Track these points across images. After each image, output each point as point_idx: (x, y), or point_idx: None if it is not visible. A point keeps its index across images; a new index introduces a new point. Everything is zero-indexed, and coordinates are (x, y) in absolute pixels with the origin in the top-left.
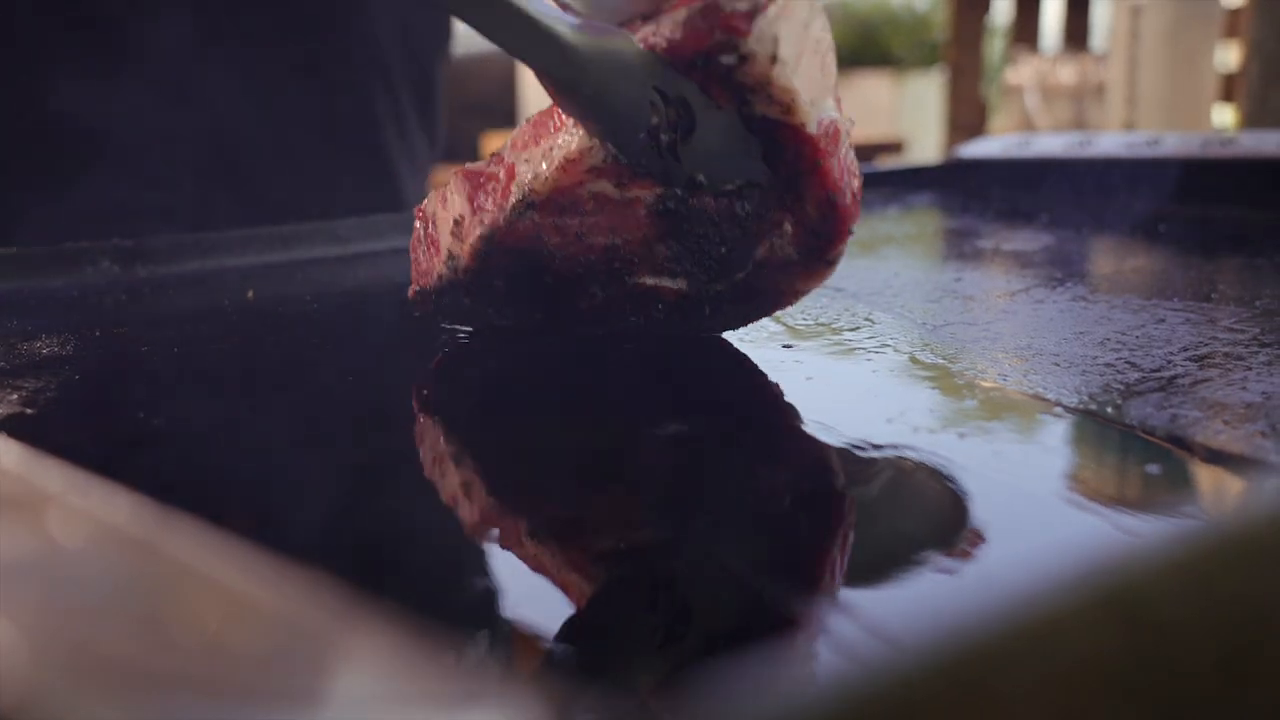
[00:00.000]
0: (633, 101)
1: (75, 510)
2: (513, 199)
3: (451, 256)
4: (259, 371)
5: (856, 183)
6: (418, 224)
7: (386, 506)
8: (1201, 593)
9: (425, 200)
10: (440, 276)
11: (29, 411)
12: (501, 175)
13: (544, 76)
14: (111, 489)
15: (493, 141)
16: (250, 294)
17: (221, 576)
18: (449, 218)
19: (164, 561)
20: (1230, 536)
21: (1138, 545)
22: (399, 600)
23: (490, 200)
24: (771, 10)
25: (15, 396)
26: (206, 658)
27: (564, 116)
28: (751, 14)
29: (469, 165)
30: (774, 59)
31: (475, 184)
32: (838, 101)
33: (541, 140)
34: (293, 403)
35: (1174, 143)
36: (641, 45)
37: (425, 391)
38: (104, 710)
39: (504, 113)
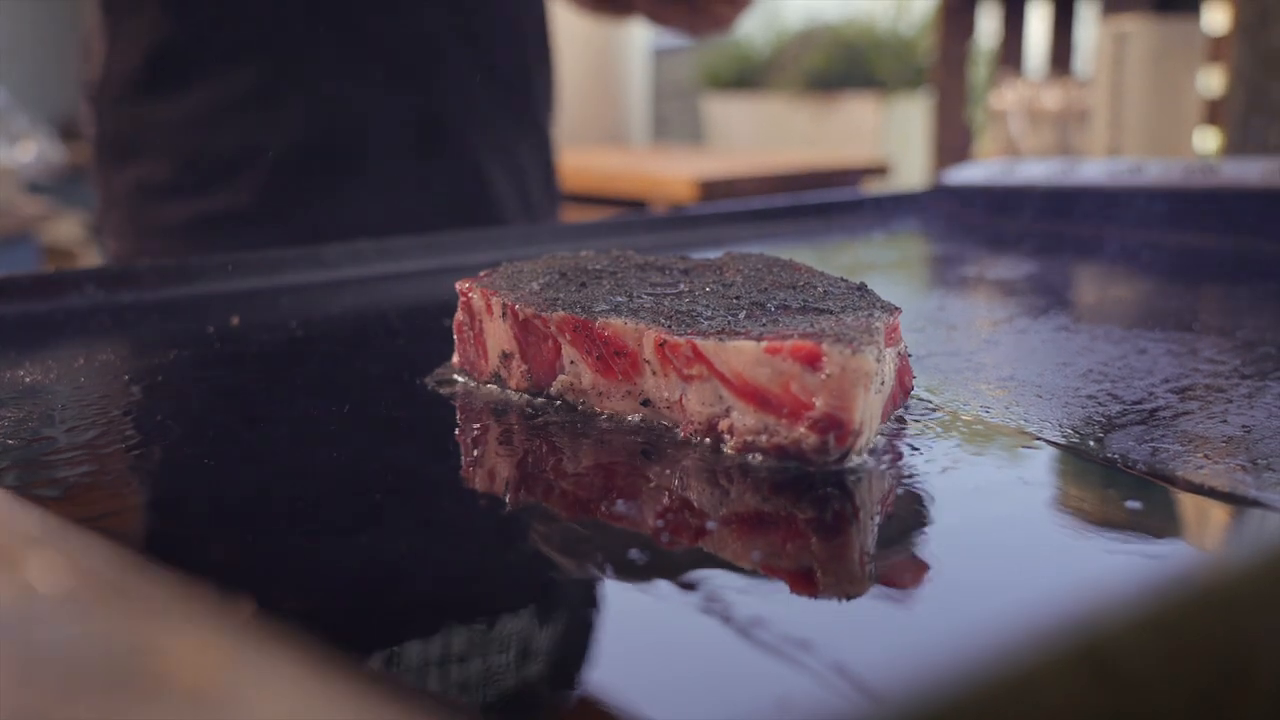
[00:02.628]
0: None
1: (54, 556)
2: (554, 387)
3: (499, 379)
4: (243, 401)
5: None
6: (461, 315)
7: (360, 543)
8: (1170, 645)
9: (470, 287)
10: (487, 382)
11: (11, 443)
12: (550, 344)
13: None
14: (89, 534)
15: None
16: (235, 320)
17: (194, 623)
18: (498, 341)
19: (139, 609)
20: (1198, 587)
21: (1108, 598)
22: (374, 647)
23: (537, 356)
24: (860, 441)
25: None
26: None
27: (633, 369)
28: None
29: (520, 303)
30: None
31: (526, 330)
32: None
33: (602, 375)
34: (275, 436)
35: (1157, 171)
36: None
37: (406, 428)
38: None
39: None
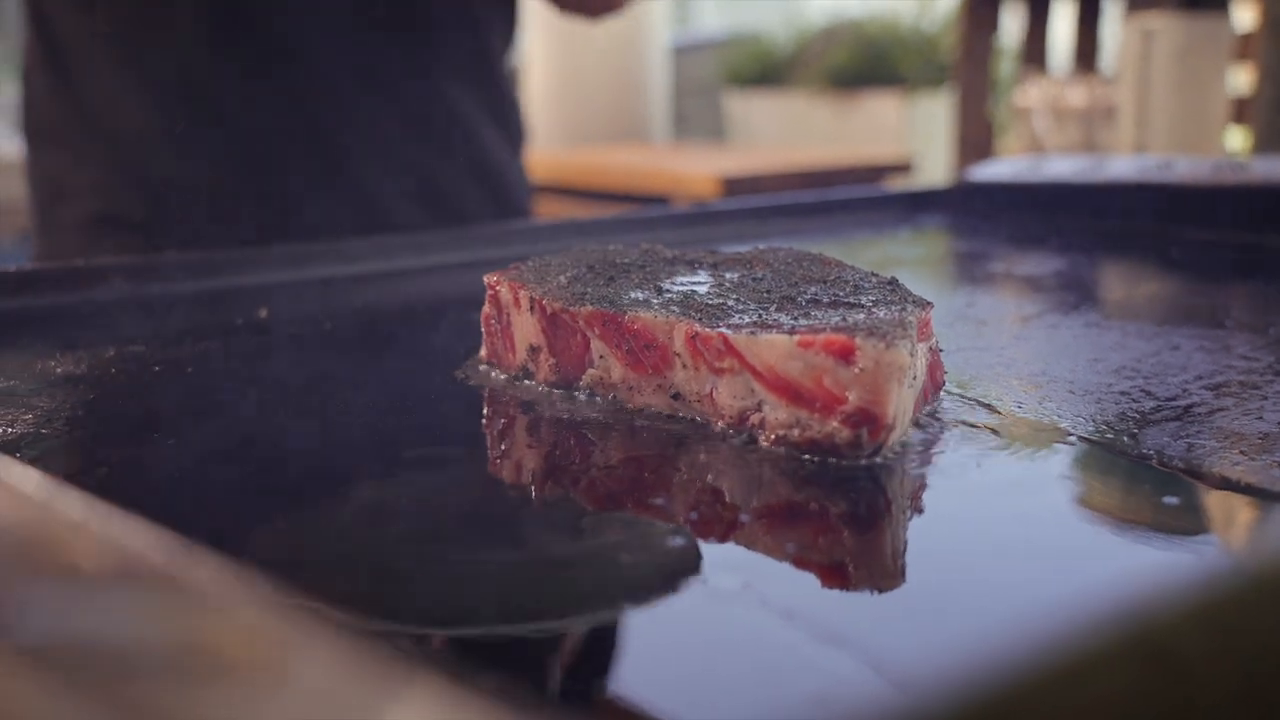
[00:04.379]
0: None
1: (99, 540)
2: (584, 381)
3: (528, 372)
4: (274, 393)
5: None
6: (489, 308)
7: (396, 533)
8: (1222, 631)
9: (498, 281)
10: (515, 375)
11: (44, 432)
12: (579, 338)
13: None
14: (130, 519)
15: None
16: (263, 312)
17: (242, 607)
18: (526, 334)
19: (187, 593)
20: (1249, 576)
21: (1160, 585)
22: (422, 632)
23: (566, 350)
24: (893, 436)
25: (30, 416)
26: (230, 692)
27: (663, 363)
28: (878, 449)
29: (548, 297)
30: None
31: (554, 324)
32: None
33: (632, 369)
34: (309, 428)
35: (1185, 167)
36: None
37: (437, 419)
38: None
39: None
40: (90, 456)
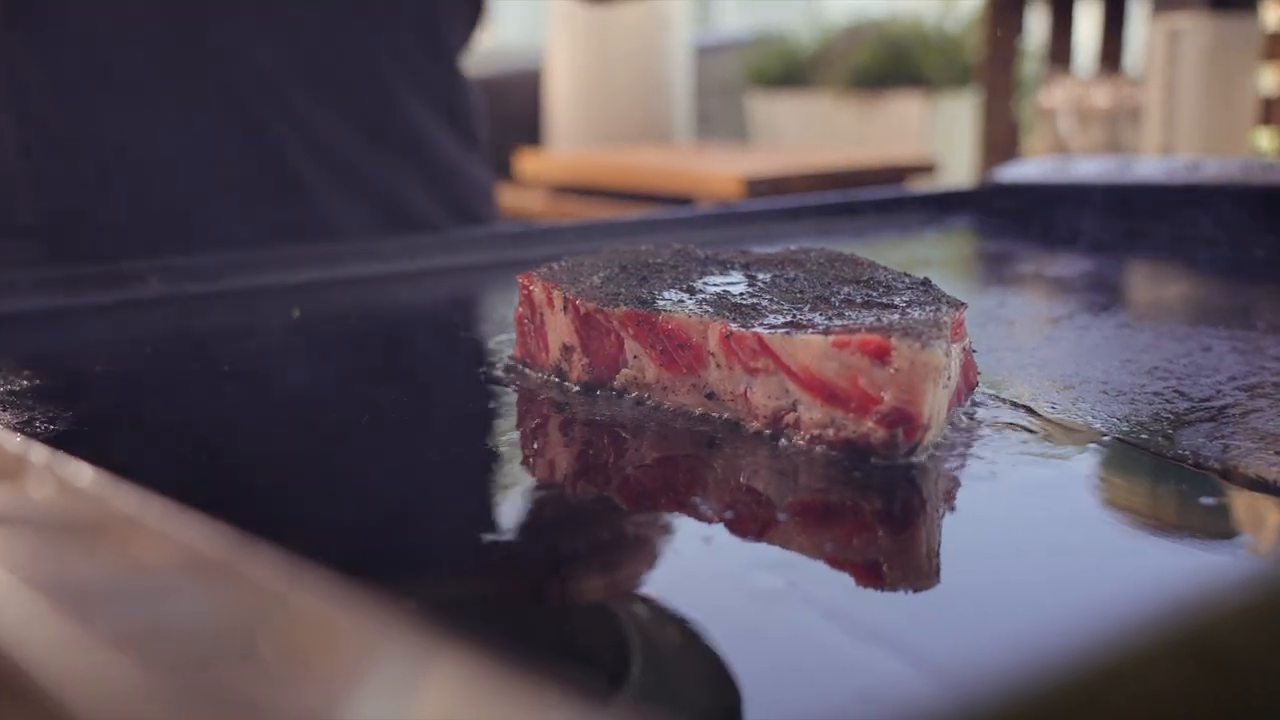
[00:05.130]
0: None
1: (157, 534)
2: (618, 381)
3: (561, 372)
4: (314, 390)
5: None
6: (522, 308)
7: (457, 526)
8: (1271, 629)
9: (531, 280)
10: (548, 375)
11: (85, 429)
12: (613, 338)
13: None
14: (184, 511)
15: (525, 158)
16: (296, 312)
17: (302, 600)
18: (559, 334)
19: (246, 585)
20: None
21: (1207, 584)
22: (476, 622)
23: (600, 350)
24: (929, 435)
25: (71, 414)
26: (297, 683)
27: (698, 363)
28: (914, 449)
29: (581, 297)
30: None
31: (588, 324)
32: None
33: (666, 368)
34: (351, 424)
35: (1214, 168)
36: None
37: (472, 418)
38: None
39: (530, 130)
40: (135, 452)
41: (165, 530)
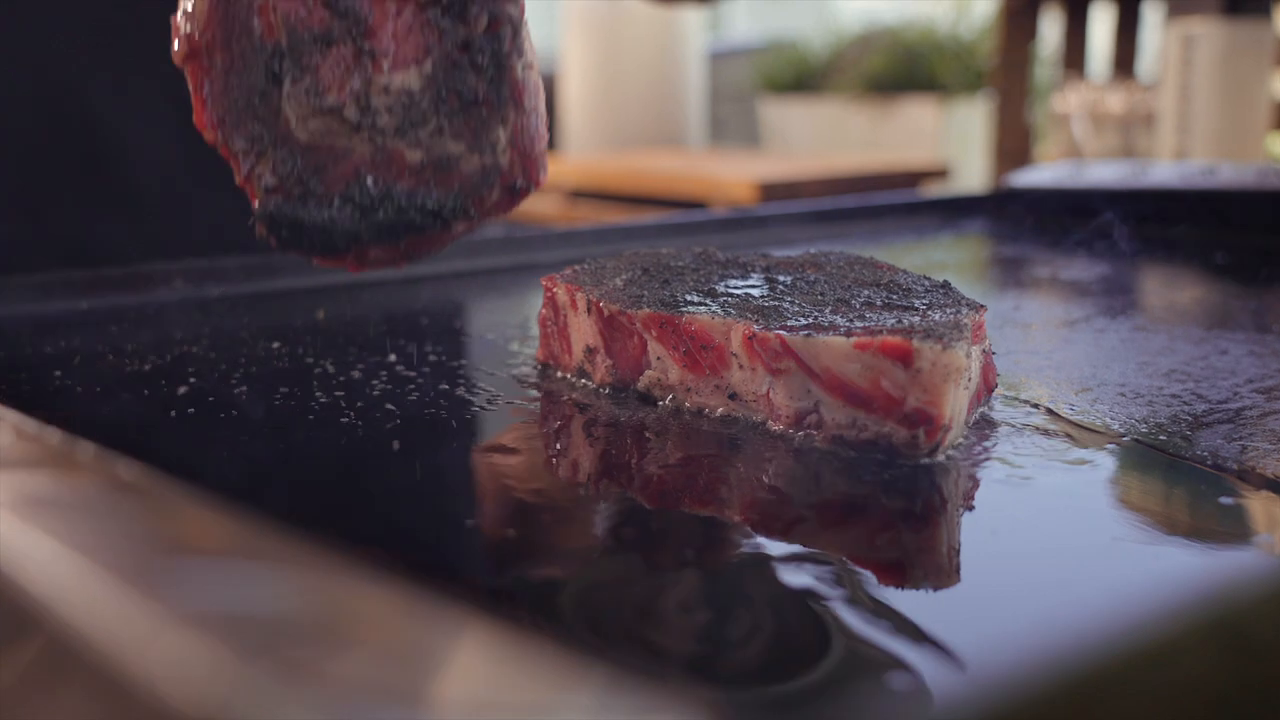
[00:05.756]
0: None
1: (220, 525)
2: (641, 382)
3: (584, 373)
4: (341, 389)
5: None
6: (545, 310)
7: (506, 514)
8: None
9: (554, 283)
10: (571, 376)
11: (122, 430)
12: (636, 340)
13: None
14: (242, 507)
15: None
16: (320, 314)
17: (370, 586)
18: (582, 336)
19: (317, 570)
20: None
21: (1240, 574)
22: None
23: (623, 352)
24: (950, 436)
25: (105, 414)
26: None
27: (720, 364)
28: (935, 449)
29: (604, 299)
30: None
31: (611, 326)
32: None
33: (689, 369)
34: (384, 425)
35: (1230, 173)
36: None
37: (496, 419)
38: (300, 709)
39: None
40: (169, 450)
41: (215, 520)
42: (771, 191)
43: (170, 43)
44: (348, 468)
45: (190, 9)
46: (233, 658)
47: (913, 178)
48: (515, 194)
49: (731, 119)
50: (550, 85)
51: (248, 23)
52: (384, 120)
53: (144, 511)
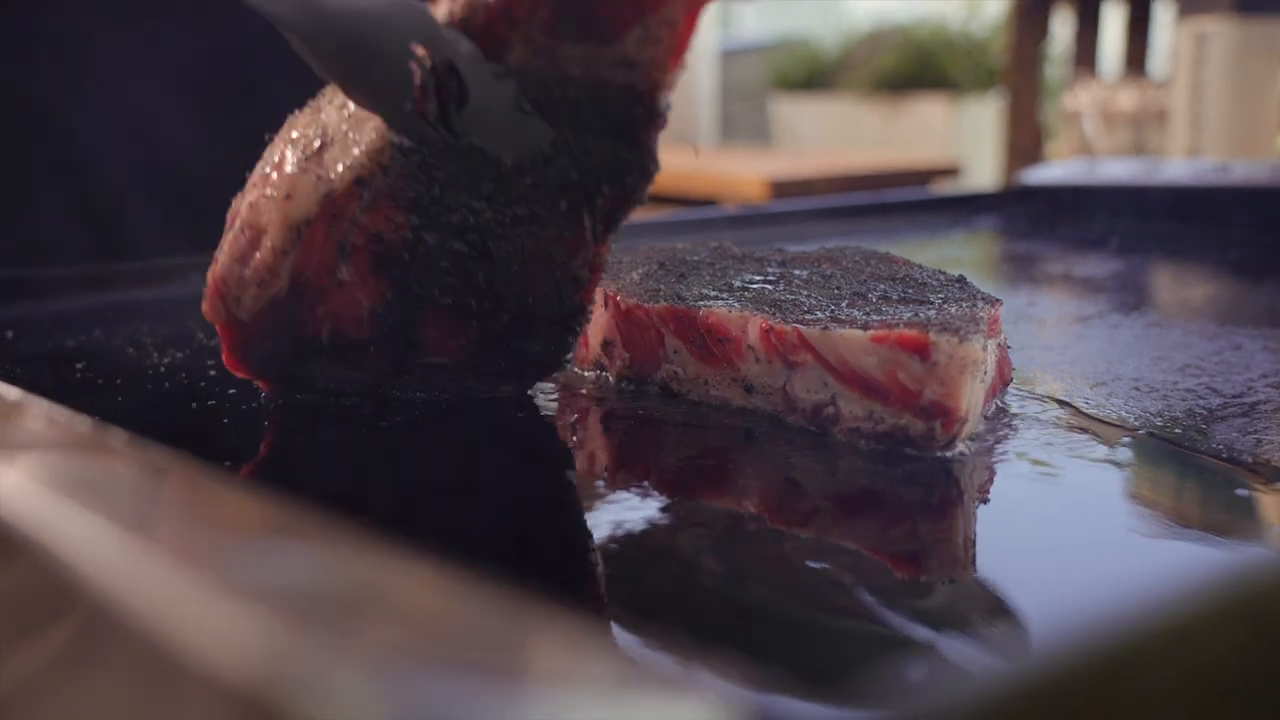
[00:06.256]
0: (388, 59)
1: (256, 506)
2: (658, 375)
3: (601, 367)
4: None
5: None
6: None
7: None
8: None
9: None
10: (588, 370)
11: (154, 427)
12: (653, 334)
13: (287, 30)
14: (274, 490)
15: None
16: None
17: (413, 567)
18: (599, 329)
19: (351, 547)
20: None
21: (1256, 564)
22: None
23: (640, 345)
24: (966, 428)
25: (132, 405)
26: (429, 637)
27: (737, 357)
28: (951, 441)
29: (621, 293)
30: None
31: (628, 320)
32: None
33: (706, 363)
34: (405, 416)
35: (1243, 170)
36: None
37: (514, 412)
38: (359, 682)
39: None
40: (194, 440)
41: (257, 504)
42: (782, 189)
43: (204, 292)
44: (370, 456)
45: (239, 295)
46: (283, 627)
47: (923, 176)
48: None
49: (742, 117)
50: None
51: (296, 316)
52: (418, 378)
53: (180, 494)
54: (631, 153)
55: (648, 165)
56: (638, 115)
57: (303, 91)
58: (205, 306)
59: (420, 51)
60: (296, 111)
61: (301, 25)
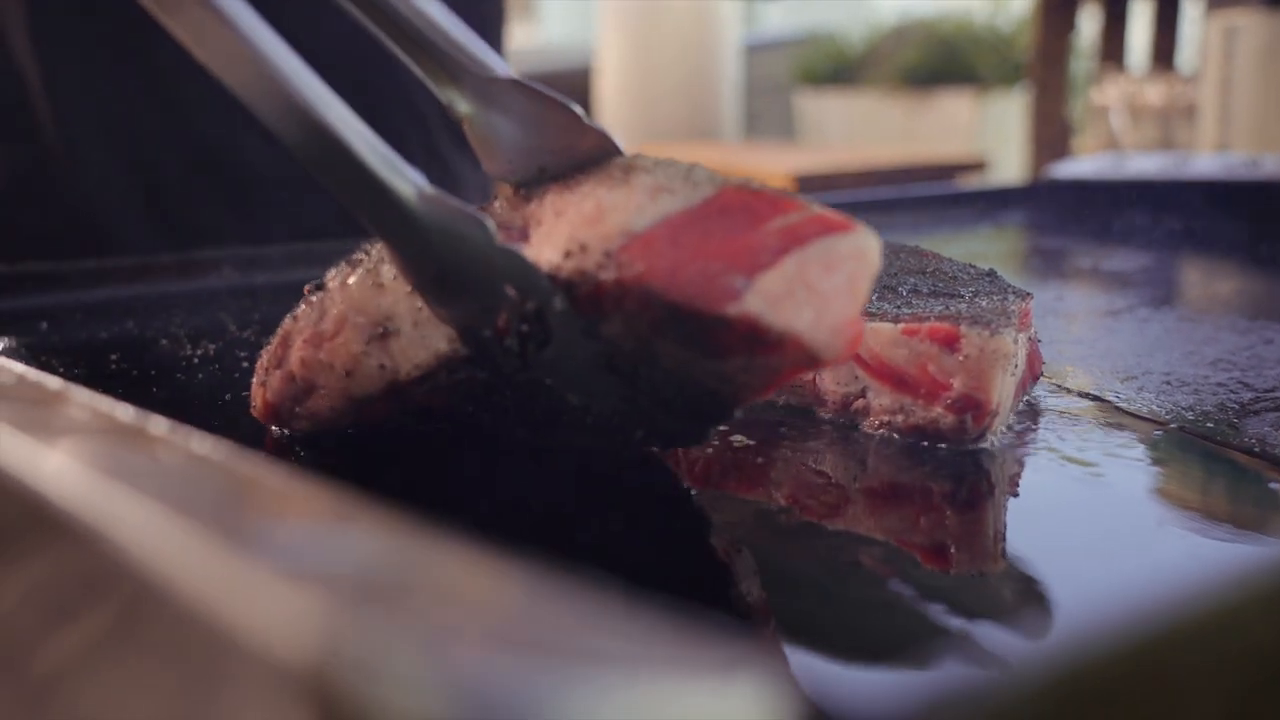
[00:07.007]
0: (480, 292)
1: (300, 492)
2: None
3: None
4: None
5: None
6: None
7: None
8: None
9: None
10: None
11: (186, 411)
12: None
13: (388, 243)
14: (314, 479)
15: None
16: None
17: (463, 554)
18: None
19: (399, 533)
20: None
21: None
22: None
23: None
24: (997, 421)
25: (165, 395)
26: (476, 616)
27: None
28: (982, 434)
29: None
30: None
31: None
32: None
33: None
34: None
35: (1273, 165)
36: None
37: None
38: (416, 664)
39: None
40: (230, 431)
41: (299, 493)
42: (807, 184)
43: (251, 398)
44: (404, 446)
45: (291, 420)
46: (338, 609)
47: (949, 170)
48: None
49: (766, 112)
50: (585, 78)
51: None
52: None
53: (225, 481)
54: (697, 431)
55: (705, 441)
56: (714, 413)
57: (351, 98)
58: (256, 415)
59: (512, 292)
60: (343, 264)
61: (407, 250)
